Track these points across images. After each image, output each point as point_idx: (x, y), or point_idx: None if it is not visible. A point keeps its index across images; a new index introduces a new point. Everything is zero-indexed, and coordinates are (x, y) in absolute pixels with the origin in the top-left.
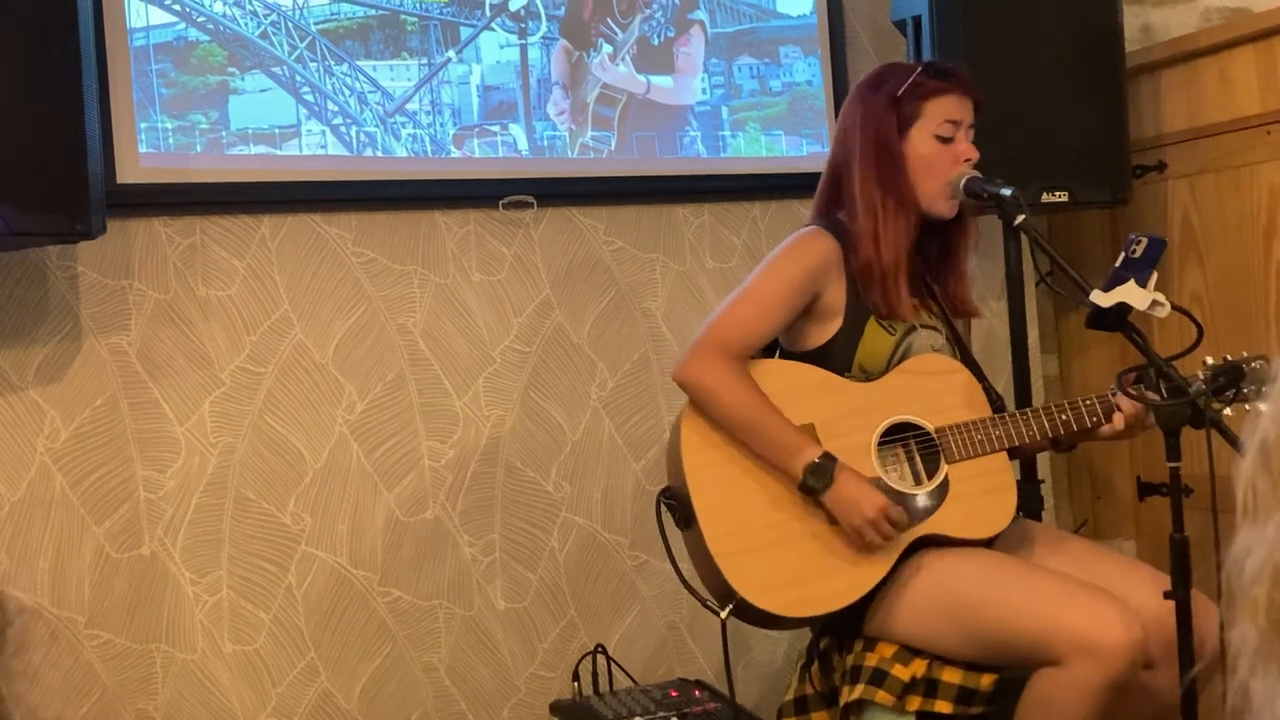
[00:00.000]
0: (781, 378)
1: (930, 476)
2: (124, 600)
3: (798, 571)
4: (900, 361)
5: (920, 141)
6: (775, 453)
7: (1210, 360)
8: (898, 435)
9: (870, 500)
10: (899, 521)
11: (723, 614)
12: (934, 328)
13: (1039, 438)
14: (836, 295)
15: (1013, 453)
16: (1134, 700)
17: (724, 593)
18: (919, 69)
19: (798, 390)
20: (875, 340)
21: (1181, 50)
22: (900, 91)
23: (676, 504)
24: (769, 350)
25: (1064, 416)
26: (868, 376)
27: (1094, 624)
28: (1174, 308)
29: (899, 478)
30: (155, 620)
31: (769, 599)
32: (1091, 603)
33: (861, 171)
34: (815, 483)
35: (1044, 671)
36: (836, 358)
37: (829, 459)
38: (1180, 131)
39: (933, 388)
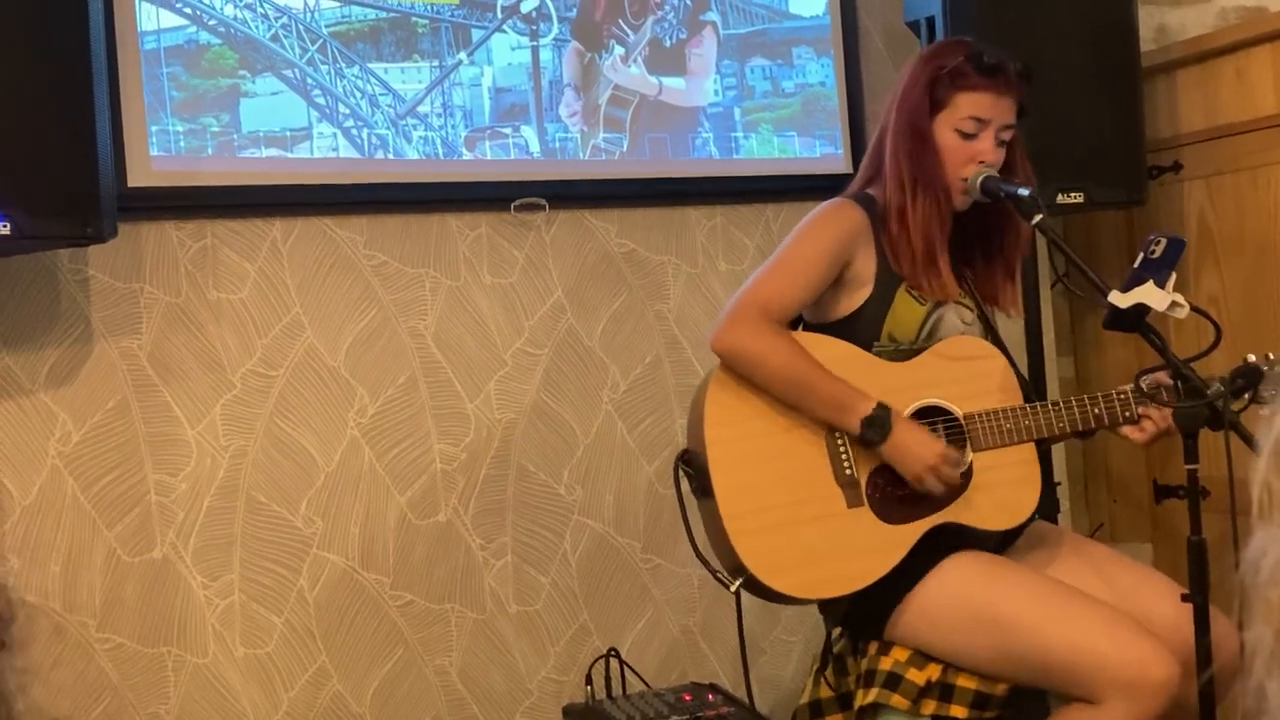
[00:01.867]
0: (811, 351)
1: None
2: (135, 603)
3: (811, 553)
4: (929, 333)
5: (942, 131)
6: (828, 409)
7: (1272, 355)
8: (926, 419)
9: (929, 447)
10: (959, 465)
11: (732, 587)
12: (965, 304)
13: (1069, 430)
14: (866, 264)
15: (1039, 443)
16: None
17: (735, 567)
18: (966, 55)
19: (827, 364)
20: (905, 310)
21: (1198, 50)
22: (939, 74)
23: (694, 473)
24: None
25: (1096, 410)
26: (897, 346)
27: (1137, 665)
28: (1193, 309)
29: None
30: (166, 624)
31: (780, 579)
32: (1132, 640)
33: (894, 145)
34: (873, 435)
35: (1077, 708)
36: (865, 326)
37: (884, 409)
38: (1196, 132)
39: (966, 372)
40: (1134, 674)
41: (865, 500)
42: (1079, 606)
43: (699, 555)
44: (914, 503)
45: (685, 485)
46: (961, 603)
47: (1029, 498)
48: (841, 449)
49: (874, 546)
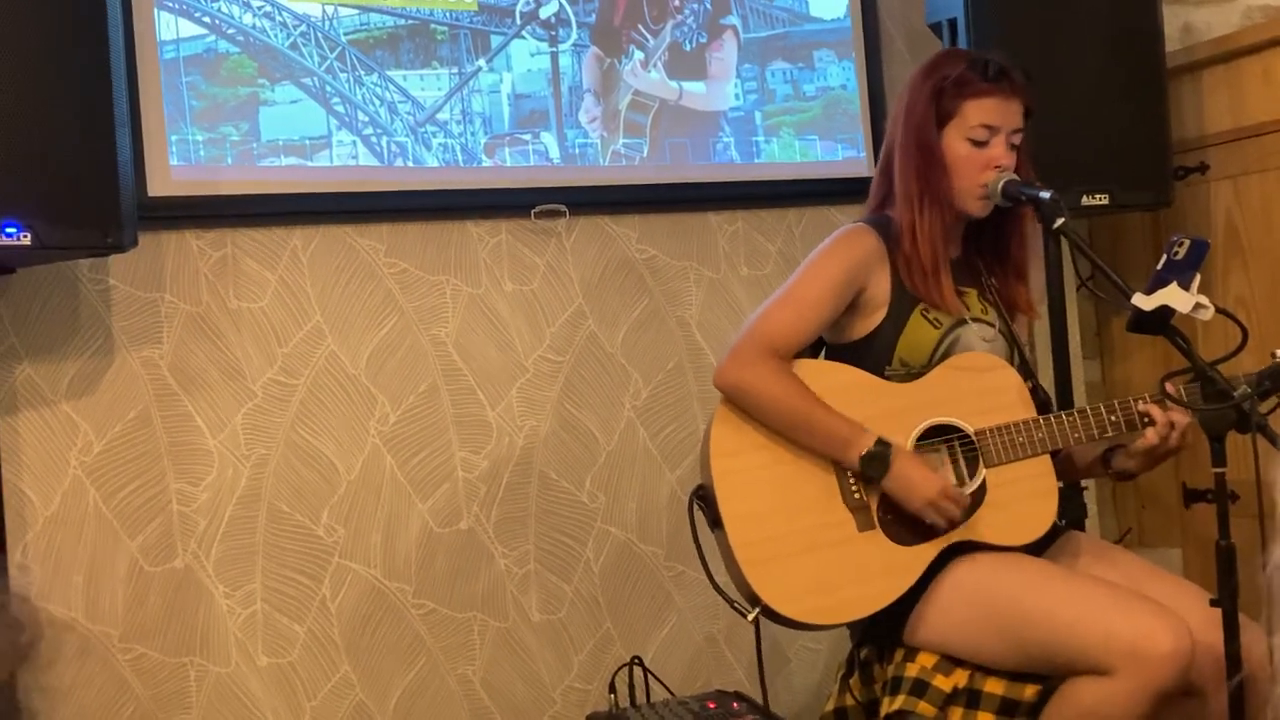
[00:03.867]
0: (818, 379)
1: (970, 479)
2: (158, 614)
3: (824, 578)
4: (945, 354)
5: (953, 142)
6: (828, 445)
7: None
8: (938, 437)
9: (929, 482)
10: (960, 501)
11: (749, 617)
12: (987, 321)
13: (1084, 440)
14: (880, 288)
15: (1061, 469)
16: None
17: (750, 596)
18: (967, 64)
19: (834, 392)
20: (918, 333)
21: (1223, 49)
22: (944, 85)
23: (706, 505)
24: (814, 344)
25: (1113, 417)
26: (909, 370)
27: (1144, 634)
28: (1218, 310)
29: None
30: (189, 633)
31: (793, 606)
32: (1140, 612)
33: (901, 162)
34: (873, 471)
35: (1086, 680)
36: (877, 350)
37: (884, 445)
38: (1223, 132)
39: (976, 386)
40: (1140, 643)
41: (877, 523)
42: (1087, 585)
43: (716, 587)
44: (927, 523)
45: (702, 520)
46: (973, 597)
47: (1045, 511)
48: (850, 473)
49: (888, 569)
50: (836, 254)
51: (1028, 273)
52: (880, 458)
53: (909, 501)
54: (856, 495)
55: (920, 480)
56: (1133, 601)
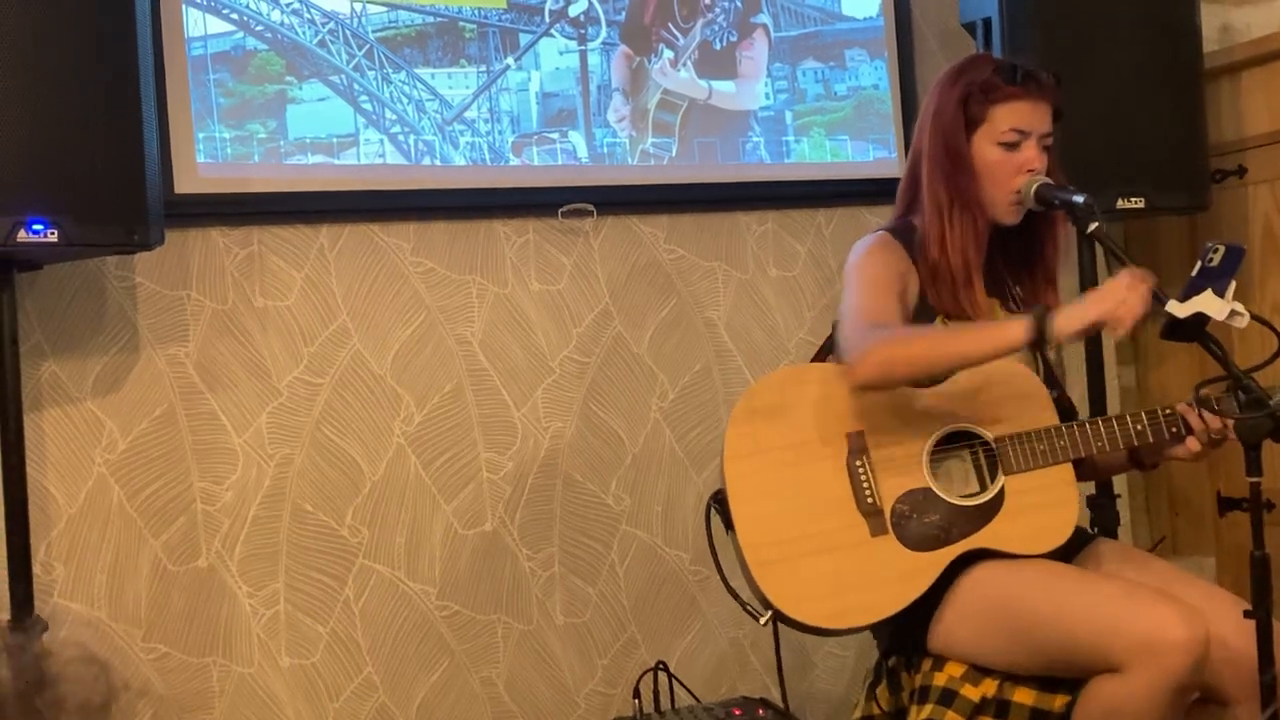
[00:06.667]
0: (837, 383)
1: (989, 486)
2: (181, 613)
3: (837, 582)
4: None
5: (983, 147)
6: (995, 344)
7: None
8: (957, 444)
9: (1097, 293)
10: (1138, 271)
11: (762, 621)
12: None
13: (1108, 448)
14: (911, 294)
15: (1086, 468)
16: None
17: (762, 599)
18: (994, 68)
19: (857, 396)
20: None
21: (1262, 50)
22: (971, 91)
23: (722, 509)
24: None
25: (1139, 427)
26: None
27: (1154, 625)
28: (1253, 318)
29: (963, 486)
30: (212, 633)
31: (804, 609)
32: (1151, 603)
33: (929, 169)
34: (1040, 315)
35: (1105, 679)
36: None
37: (1039, 312)
38: (1261, 135)
39: (998, 393)
40: (1152, 634)
41: (890, 528)
42: (1098, 581)
43: (730, 590)
44: (941, 529)
45: (718, 525)
46: (988, 605)
47: (1064, 521)
48: (863, 477)
49: (901, 574)
50: (875, 254)
51: (1057, 276)
52: (1040, 322)
53: (1099, 308)
54: (869, 500)
55: (1087, 299)
56: (1143, 593)
